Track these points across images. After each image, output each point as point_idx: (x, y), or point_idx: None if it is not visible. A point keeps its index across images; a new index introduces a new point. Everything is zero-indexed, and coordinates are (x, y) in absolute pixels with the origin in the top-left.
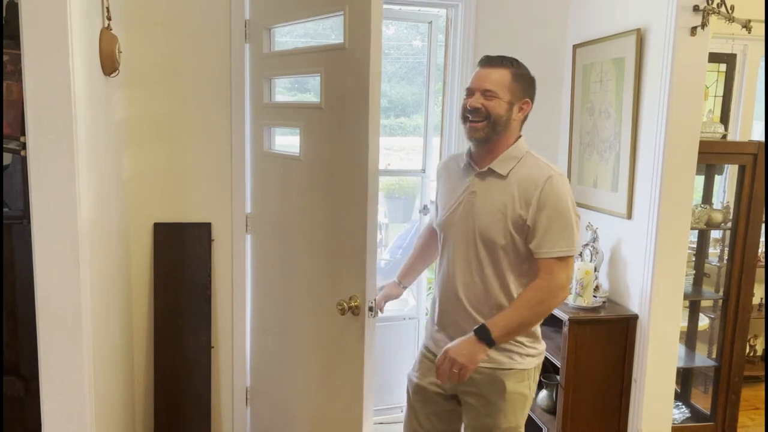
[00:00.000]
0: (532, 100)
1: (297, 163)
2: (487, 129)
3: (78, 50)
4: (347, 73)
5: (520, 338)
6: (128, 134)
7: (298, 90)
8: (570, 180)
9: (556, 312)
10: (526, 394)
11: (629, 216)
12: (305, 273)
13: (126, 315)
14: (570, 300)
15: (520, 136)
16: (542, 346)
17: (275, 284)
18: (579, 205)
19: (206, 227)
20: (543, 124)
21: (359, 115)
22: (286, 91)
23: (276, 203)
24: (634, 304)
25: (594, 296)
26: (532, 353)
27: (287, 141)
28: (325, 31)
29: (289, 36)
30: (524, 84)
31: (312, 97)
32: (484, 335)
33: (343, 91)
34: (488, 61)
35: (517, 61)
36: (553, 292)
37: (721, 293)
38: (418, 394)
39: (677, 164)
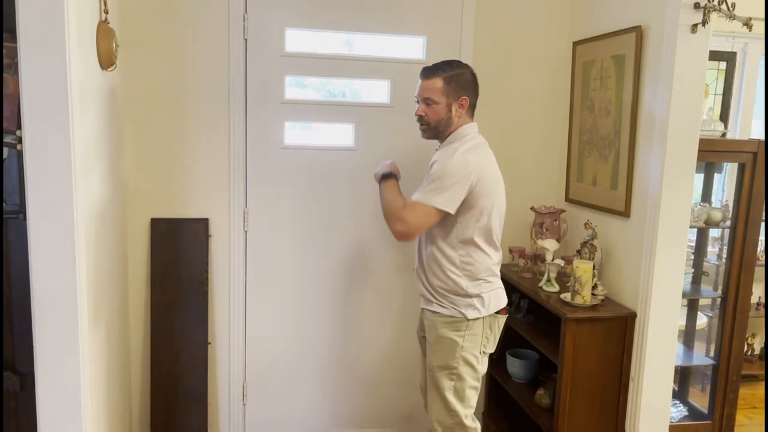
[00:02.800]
0: (471, 94)
1: (349, 153)
2: (430, 130)
3: (75, 44)
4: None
5: (451, 296)
6: (125, 129)
7: (300, 88)
8: (569, 178)
9: (554, 309)
10: (456, 341)
11: (628, 214)
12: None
13: (122, 310)
14: (568, 298)
15: (467, 123)
16: (489, 307)
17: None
18: (578, 203)
19: (203, 223)
20: (542, 121)
21: None
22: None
23: (301, 192)
24: (633, 302)
25: (592, 294)
26: (469, 307)
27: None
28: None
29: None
30: (458, 84)
31: (337, 96)
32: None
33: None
34: (425, 73)
35: (452, 64)
36: (398, 214)
37: (719, 292)
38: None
39: (677, 162)
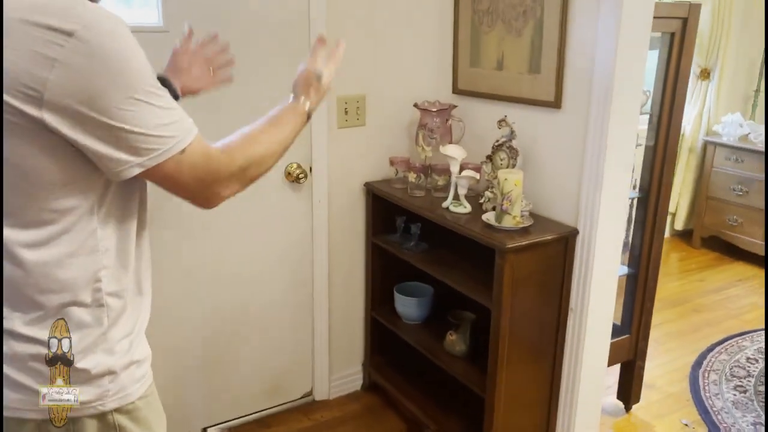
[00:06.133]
0: None
1: (156, 36)
2: None
3: None
4: None
5: None
6: None
7: None
8: (457, 63)
9: (482, 239)
10: None
11: (558, 105)
12: None
13: None
14: (491, 220)
15: None
16: None
17: None
18: (473, 94)
19: None
20: None
21: None
22: None
23: None
24: (569, 216)
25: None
26: None
27: None
28: None
29: None
30: None
31: None
32: None
33: None
34: None
35: None
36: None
37: (637, 192)
38: None
39: (633, 31)
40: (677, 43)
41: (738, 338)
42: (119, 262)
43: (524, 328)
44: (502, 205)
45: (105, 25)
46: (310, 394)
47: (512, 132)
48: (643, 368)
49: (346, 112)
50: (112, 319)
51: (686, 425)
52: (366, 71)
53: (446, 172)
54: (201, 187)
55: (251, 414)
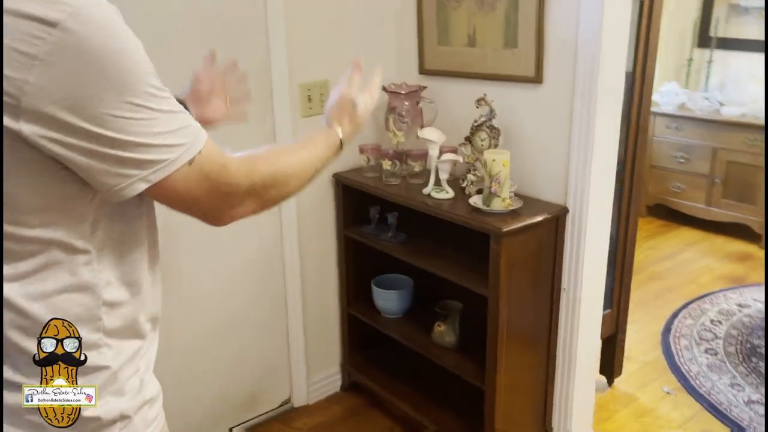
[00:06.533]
0: None
1: None
2: None
3: None
4: None
5: None
6: None
7: None
8: (422, 41)
9: (473, 224)
10: None
11: (539, 79)
12: None
13: None
14: (478, 203)
15: None
16: None
17: None
18: (442, 74)
19: None
20: None
21: None
22: None
23: None
24: (556, 194)
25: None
26: None
27: None
28: None
29: None
30: None
31: None
32: None
33: None
34: None
35: None
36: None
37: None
38: None
39: None
40: (646, 12)
41: (698, 302)
42: (126, 294)
43: (520, 312)
44: (490, 187)
45: (96, 13)
46: (288, 401)
47: (492, 111)
48: (624, 341)
49: (310, 100)
50: (120, 359)
51: (668, 393)
52: (328, 56)
53: (422, 157)
54: (214, 201)
55: (228, 429)
